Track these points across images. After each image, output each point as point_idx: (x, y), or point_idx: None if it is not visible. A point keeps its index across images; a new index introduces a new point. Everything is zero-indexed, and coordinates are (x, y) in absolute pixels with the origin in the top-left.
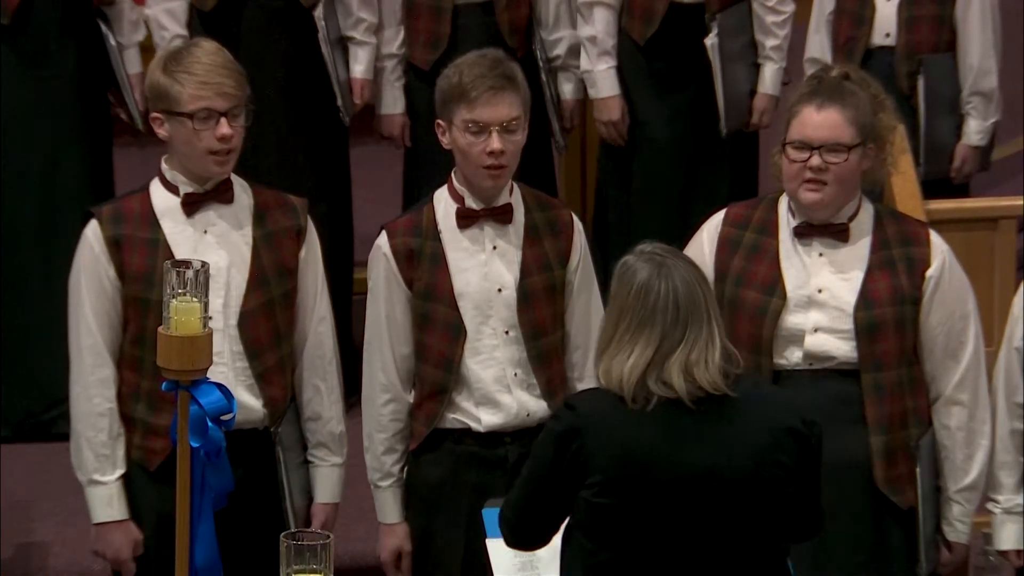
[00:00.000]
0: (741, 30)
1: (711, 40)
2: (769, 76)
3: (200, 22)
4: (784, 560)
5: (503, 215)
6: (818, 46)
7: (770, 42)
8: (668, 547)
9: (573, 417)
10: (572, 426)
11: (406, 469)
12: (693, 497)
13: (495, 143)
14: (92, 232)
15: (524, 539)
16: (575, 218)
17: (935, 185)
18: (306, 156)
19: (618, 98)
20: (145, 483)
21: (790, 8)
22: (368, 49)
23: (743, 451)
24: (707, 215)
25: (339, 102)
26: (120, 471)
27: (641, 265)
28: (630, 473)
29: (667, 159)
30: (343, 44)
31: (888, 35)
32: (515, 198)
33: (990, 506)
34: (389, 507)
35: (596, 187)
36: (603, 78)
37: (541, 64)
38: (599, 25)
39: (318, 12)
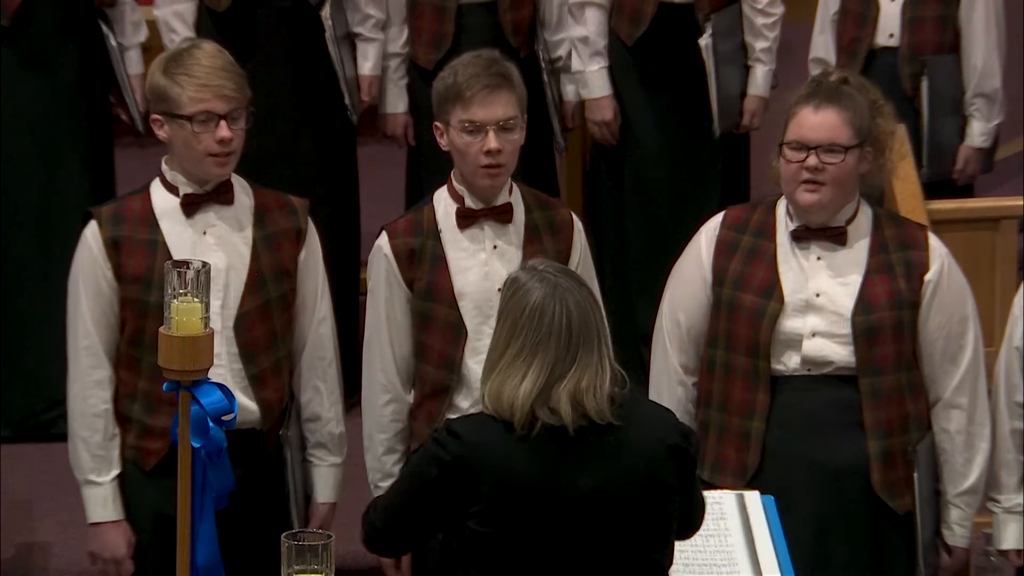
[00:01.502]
0: (733, 32)
1: (705, 40)
2: (760, 78)
3: (212, 22)
4: (664, 572)
5: (503, 215)
6: (823, 46)
7: (760, 44)
8: (554, 571)
9: (458, 446)
10: (457, 455)
11: None
12: (576, 523)
13: (492, 143)
14: (91, 233)
15: (386, 549)
16: (575, 217)
17: (939, 186)
18: (314, 156)
19: (610, 98)
20: (141, 483)
21: (780, 10)
22: (376, 45)
23: (626, 476)
24: (698, 215)
25: (346, 100)
26: (116, 471)
27: (534, 285)
28: (513, 502)
29: (657, 159)
30: (350, 41)
31: (892, 36)
32: (515, 197)
33: (991, 505)
34: None
35: (587, 187)
36: (595, 78)
37: (543, 65)
38: (591, 26)
39: (325, 12)
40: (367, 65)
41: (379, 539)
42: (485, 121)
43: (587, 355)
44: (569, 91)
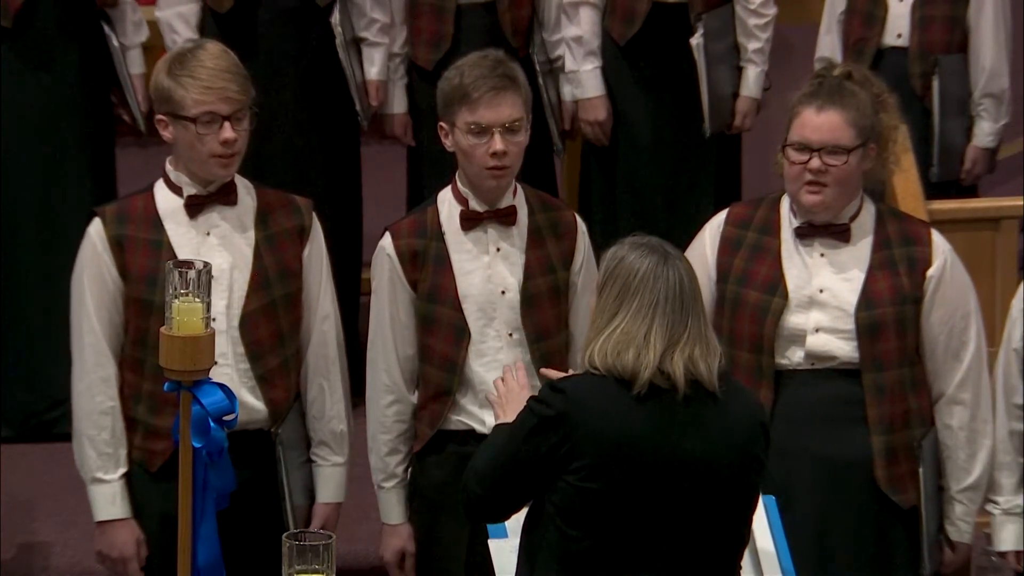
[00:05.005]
0: (725, 32)
1: (696, 40)
2: (751, 79)
3: (215, 23)
4: (739, 551)
5: (507, 217)
6: (829, 46)
7: (752, 45)
8: (648, 534)
9: (563, 402)
10: (561, 411)
11: (410, 470)
12: (678, 486)
13: (497, 144)
14: (95, 231)
15: (490, 514)
16: (578, 219)
17: (943, 186)
18: (318, 157)
19: (604, 98)
20: (147, 483)
21: (772, 11)
22: (381, 50)
23: (727, 444)
24: (691, 214)
25: (357, 106)
26: (123, 470)
27: (643, 252)
28: (620, 459)
29: (650, 159)
30: (356, 45)
31: (900, 36)
32: (519, 200)
33: (989, 507)
34: (393, 508)
35: (580, 187)
36: (589, 78)
37: (538, 66)
38: (585, 25)
39: (334, 18)
40: (373, 70)
41: (480, 506)
42: (491, 123)
43: (696, 325)
44: (567, 92)
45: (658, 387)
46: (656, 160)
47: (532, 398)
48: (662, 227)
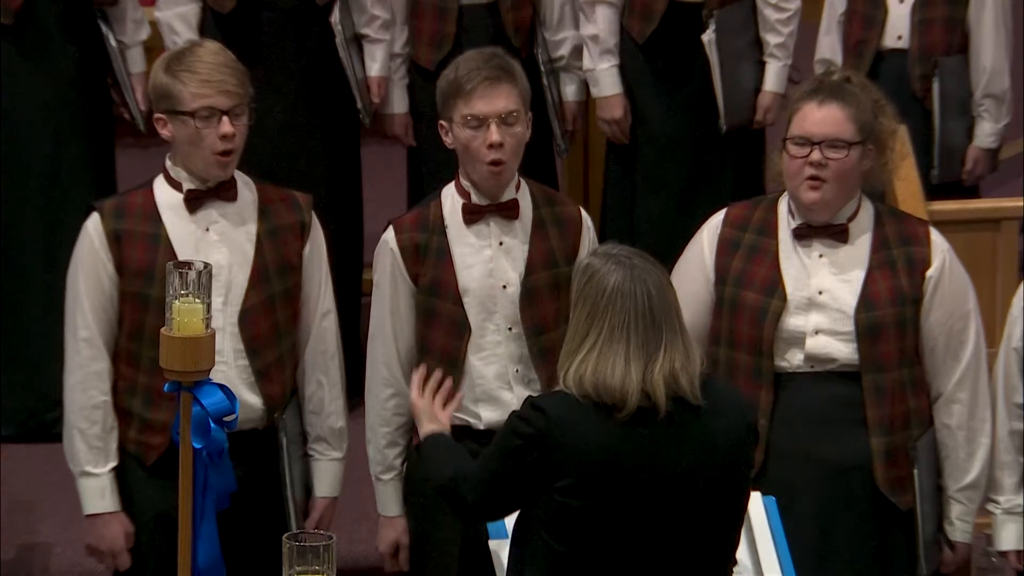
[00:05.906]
0: (743, 27)
1: (708, 36)
2: (774, 74)
3: (216, 24)
4: (731, 554)
5: (509, 211)
6: (828, 47)
7: (774, 39)
8: (637, 546)
9: (544, 422)
10: (542, 431)
11: (406, 464)
12: (666, 501)
13: (494, 135)
14: (93, 226)
15: (482, 518)
16: (584, 214)
17: (944, 186)
18: (319, 157)
19: (620, 96)
20: (142, 479)
21: (795, 5)
22: (382, 46)
23: (714, 457)
24: (710, 212)
25: (359, 104)
26: (112, 463)
27: (611, 268)
28: (604, 478)
29: (669, 157)
30: (357, 43)
31: (900, 37)
32: (522, 193)
33: (990, 507)
34: (390, 500)
35: (603, 185)
36: (605, 76)
37: (542, 66)
38: (601, 24)
39: (334, 17)
40: (375, 67)
41: (473, 511)
42: (487, 114)
43: (672, 336)
44: (569, 92)
45: (640, 407)
46: (674, 157)
47: (514, 413)
48: (680, 224)
